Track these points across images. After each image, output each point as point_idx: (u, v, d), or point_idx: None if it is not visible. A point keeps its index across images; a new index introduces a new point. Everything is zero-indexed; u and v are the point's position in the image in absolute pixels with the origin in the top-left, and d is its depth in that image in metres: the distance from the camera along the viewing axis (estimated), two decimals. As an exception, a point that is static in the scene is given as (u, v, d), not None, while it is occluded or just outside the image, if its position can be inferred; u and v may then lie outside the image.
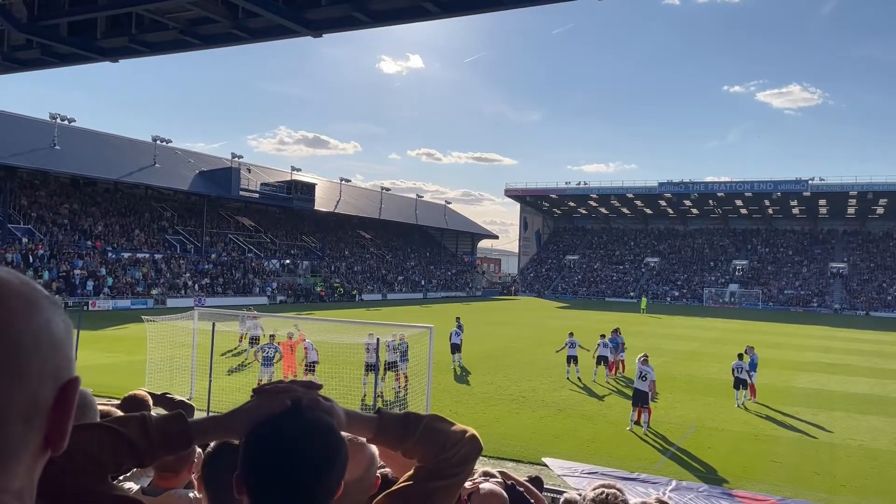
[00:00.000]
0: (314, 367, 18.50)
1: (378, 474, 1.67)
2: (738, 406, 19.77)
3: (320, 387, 1.40)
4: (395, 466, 1.67)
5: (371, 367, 18.19)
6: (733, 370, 20.40)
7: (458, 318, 26.53)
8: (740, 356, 20.54)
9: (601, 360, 23.62)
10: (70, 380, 0.85)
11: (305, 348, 18.74)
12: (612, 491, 2.58)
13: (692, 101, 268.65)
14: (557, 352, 25.03)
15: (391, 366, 19.14)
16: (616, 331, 25.60)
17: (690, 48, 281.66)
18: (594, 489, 2.61)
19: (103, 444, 1.24)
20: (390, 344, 18.81)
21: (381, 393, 18.20)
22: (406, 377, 19.27)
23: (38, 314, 0.81)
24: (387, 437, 1.47)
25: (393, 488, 1.49)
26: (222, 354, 23.24)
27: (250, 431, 1.30)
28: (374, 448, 1.64)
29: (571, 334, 24.18)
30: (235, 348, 25.46)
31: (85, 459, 1.18)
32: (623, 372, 24.16)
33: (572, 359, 23.42)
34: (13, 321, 0.78)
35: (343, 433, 1.34)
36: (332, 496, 1.29)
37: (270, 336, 19.52)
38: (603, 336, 24.32)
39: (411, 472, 1.49)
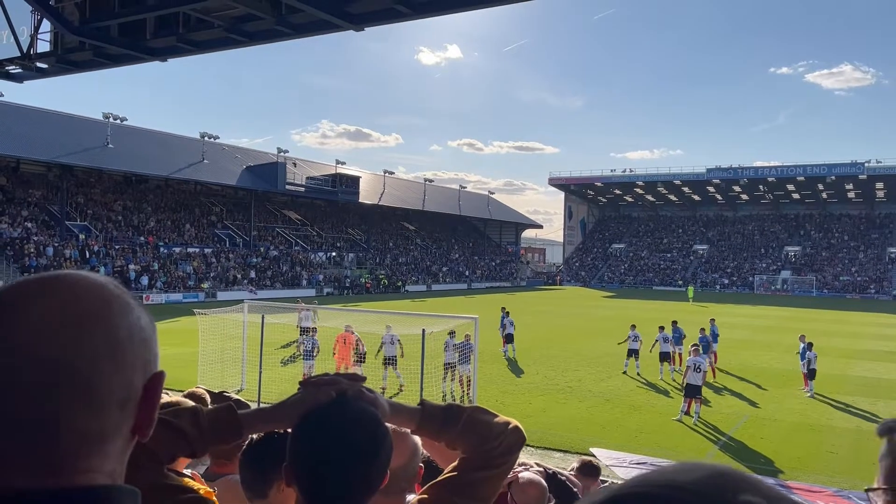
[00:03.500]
0: (364, 357, 18.68)
1: (420, 464, 1.69)
2: (810, 396, 19.33)
3: (364, 379, 1.44)
4: (438, 456, 1.69)
5: (390, 360, 18.26)
6: (810, 360, 19.69)
7: (506, 310, 26.51)
8: (811, 345, 19.96)
9: (664, 356, 21.85)
10: (157, 373, 0.94)
11: (357, 342, 18.92)
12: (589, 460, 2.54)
13: (737, 84, 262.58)
14: (620, 343, 24.03)
15: (448, 367, 18.10)
16: (675, 323, 23.99)
17: (734, 30, 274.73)
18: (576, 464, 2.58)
19: (159, 436, 1.28)
20: (449, 343, 17.93)
21: (448, 393, 18.03)
22: (469, 381, 17.65)
23: (130, 313, 0.91)
24: (430, 428, 1.50)
25: (438, 479, 1.51)
26: (283, 346, 23.67)
27: (297, 422, 1.34)
28: (417, 438, 1.66)
29: (634, 327, 22.88)
30: (296, 340, 25.72)
31: (142, 450, 1.26)
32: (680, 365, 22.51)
33: (633, 353, 22.22)
34: (113, 318, 0.89)
35: (387, 424, 1.37)
36: (378, 484, 1.31)
37: (309, 330, 19.75)
38: (662, 328, 22.55)
39: (456, 462, 1.51)
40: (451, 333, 18.21)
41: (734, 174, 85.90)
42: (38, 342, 0.83)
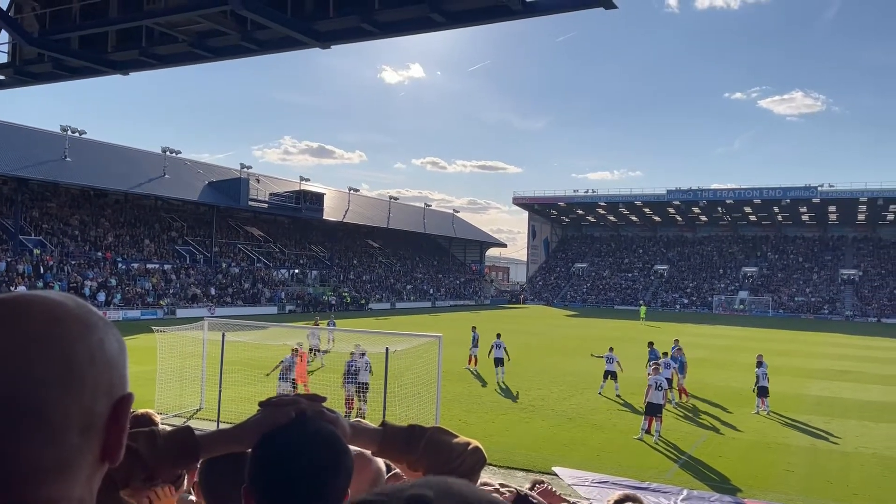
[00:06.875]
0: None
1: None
2: (757, 413, 19.64)
3: (324, 399, 1.43)
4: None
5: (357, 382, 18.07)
6: (758, 377, 19.96)
7: (496, 333, 26.37)
8: (758, 363, 20.32)
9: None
10: (123, 396, 0.91)
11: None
12: (634, 493, 2.59)
13: (694, 108, 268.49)
14: (593, 356, 24.07)
15: (363, 386, 17.36)
16: (651, 344, 23.77)
17: (690, 56, 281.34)
18: (616, 497, 2.63)
19: None
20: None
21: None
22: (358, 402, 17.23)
23: (91, 333, 0.88)
24: (391, 449, 1.50)
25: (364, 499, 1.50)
26: (274, 368, 23.24)
27: (257, 443, 1.32)
28: (380, 463, 1.65)
29: (611, 349, 22.74)
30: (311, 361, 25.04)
31: None
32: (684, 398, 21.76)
33: (610, 374, 21.94)
34: (70, 342, 0.85)
35: (350, 447, 1.36)
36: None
37: (294, 350, 19.47)
38: (665, 354, 21.59)
39: None
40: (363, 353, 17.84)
41: (693, 196, 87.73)
42: None
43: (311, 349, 24.00)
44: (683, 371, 21.96)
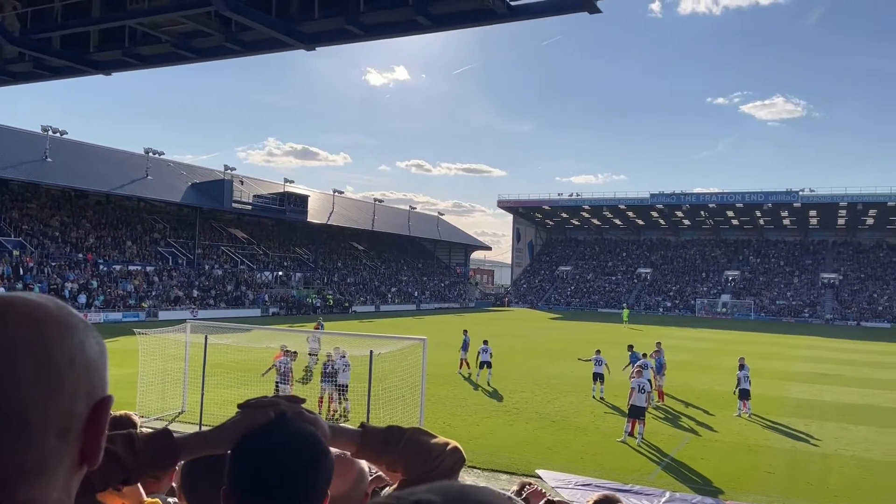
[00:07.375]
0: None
1: (367, 491, 1.68)
2: (738, 415, 19.78)
3: (303, 401, 1.43)
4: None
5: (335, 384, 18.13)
6: (739, 380, 20.10)
7: (485, 341, 26.18)
8: (741, 366, 20.48)
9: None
10: (103, 398, 0.90)
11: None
12: (613, 494, 2.61)
13: (677, 112, 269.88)
14: (581, 360, 24.92)
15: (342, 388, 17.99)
16: (630, 347, 23.90)
17: (673, 61, 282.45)
18: (595, 498, 2.65)
19: None
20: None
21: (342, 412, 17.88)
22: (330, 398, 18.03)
23: (72, 336, 0.87)
24: (370, 450, 1.50)
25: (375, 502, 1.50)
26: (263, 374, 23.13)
27: (236, 444, 1.31)
28: (363, 464, 1.65)
29: (598, 351, 22.83)
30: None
31: None
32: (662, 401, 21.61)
33: (598, 377, 22.07)
34: (50, 344, 0.84)
35: (329, 448, 1.36)
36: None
37: (294, 351, 19.38)
38: (645, 355, 21.91)
39: (395, 485, 1.51)
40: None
41: (677, 200, 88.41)
42: None
43: (311, 353, 23.82)
44: (661, 371, 22.09)
